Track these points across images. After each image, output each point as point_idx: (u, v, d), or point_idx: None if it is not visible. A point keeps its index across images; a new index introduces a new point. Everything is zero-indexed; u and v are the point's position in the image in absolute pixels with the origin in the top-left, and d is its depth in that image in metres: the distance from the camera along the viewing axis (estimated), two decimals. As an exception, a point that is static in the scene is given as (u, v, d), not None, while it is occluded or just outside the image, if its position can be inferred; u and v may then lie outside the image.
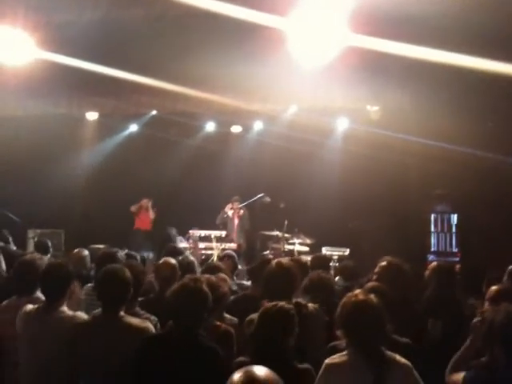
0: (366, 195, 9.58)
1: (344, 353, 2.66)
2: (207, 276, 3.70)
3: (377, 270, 4.19)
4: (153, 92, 8.62)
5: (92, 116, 11.01)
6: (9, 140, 10.11)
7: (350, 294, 2.82)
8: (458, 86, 7.59)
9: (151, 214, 10.89)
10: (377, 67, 7.18)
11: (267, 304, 2.97)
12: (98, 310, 3.32)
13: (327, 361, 2.64)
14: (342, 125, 10.34)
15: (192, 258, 5.24)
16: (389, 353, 2.63)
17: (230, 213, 10.14)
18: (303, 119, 9.39)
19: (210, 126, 11.40)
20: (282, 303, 2.90)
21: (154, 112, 10.85)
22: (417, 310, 4.07)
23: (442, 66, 6.36)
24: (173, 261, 4.45)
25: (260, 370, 1.67)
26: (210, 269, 4.47)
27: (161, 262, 4.55)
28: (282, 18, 5.73)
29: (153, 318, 3.48)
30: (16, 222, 9.78)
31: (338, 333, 2.77)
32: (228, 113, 9.78)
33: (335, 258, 8.21)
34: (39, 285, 3.51)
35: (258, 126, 11.09)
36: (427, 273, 4.53)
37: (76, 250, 5.59)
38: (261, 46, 6.27)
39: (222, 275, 4.12)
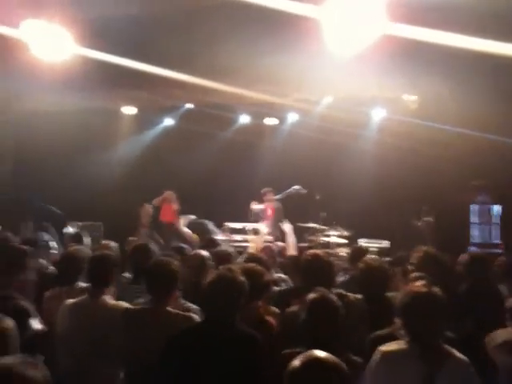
0: (404, 186, 9.43)
1: (401, 341, 2.63)
2: (251, 264, 3.74)
3: (413, 260, 4.12)
4: (188, 85, 8.66)
5: (128, 110, 11.20)
6: (48, 134, 10.37)
7: (413, 284, 2.79)
8: (498, 74, 7.36)
9: (175, 207, 10.94)
10: (414, 55, 7.01)
11: (313, 294, 2.96)
12: (143, 300, 3.40)
13: (383, 348, 2.61)
14: (377, 115, 10.20)
15: (230, 249, 5.27)
16: (446, 346, 2.59)
17: (260, 206, 10.13)
18: (338, 110, 9.28)
19: (245, 118, 11.43)
20: (326, 293, 2.92)
21: (189, 105, 10.94)
22: (456, 303, 3.98)
23: (481, 55, 6.17)
24: (203, 252, 4.53)
25: (321, 353, 1.68)
26: (252, 260, 4.50)
27: (191, 253, 4.63)
28: (317, 7, 5.66)
29: (194, 307, 3.55)
30: (57, 215, 10.04)
31: (397, 320, 2.73)
32: (262, 105, 9.77)
33: (374, 250, 8.12)
34: (86, 274, 3.63)
35: (292, 117, 11.04)
36: (460, 265, 4.43)
37: (104, 242, 5.70)
38: (294, 36, 6.21)
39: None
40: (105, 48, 7.08)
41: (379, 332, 2.94)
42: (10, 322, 2.37)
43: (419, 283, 2.78)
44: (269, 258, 5.22)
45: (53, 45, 6.50)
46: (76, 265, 3.83)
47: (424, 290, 2.66)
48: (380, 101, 9.56)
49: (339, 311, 2.83)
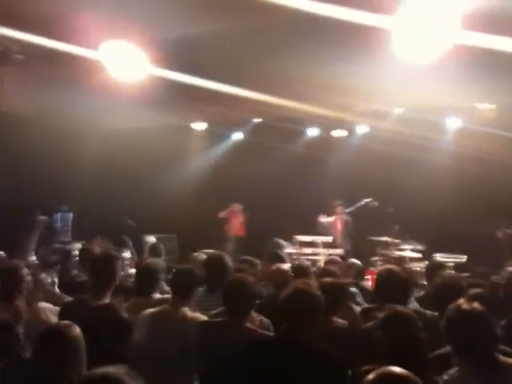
0: (482, 199, 9.03)
1: (456, 369, 2.54)
2: (328, 279, 3.72)
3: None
4: (256, 100, 8.78)
5: (198, 126, 11.50)
6: (124, 151, 10.84)
7: (453, 303, 2.71)
8: None
9: (241, 219, 11.05)
10: (490, 64, 6.75)
11: (386, 311, 2.91)
12: (219, 311, 3.47)
13: (445, 377, 2.54)
14: (452, 125, 9.85)
15: (307, 262, 5.26)
16: (503, 357, 2.49)
17: (331, 218, 10.02)
18: (410, 120, 9.06)
19: (313, 131, 11.40)
20: (400, 308, 2.85)
21: (258, 119, 11.07)
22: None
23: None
24: (285, 266, 4.54)
25: (397, 369, 1.64)
26: (325, 274, 4.48)
27: (274, 267, 4.65)
28: (388, 17, 5.59)
29: (266, 320, 3.57)
30: (134, 229, 10.42)
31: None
32: (331, 117, 9.70)
33: (451, 265, 7.82)
34: (170, 285, 3.75)
35: (361, 129, 10.88)
36: None
37: (195, 254, 5.85)
38: (364, 47, 6.16)
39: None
40: (178, 68, 7.32)
41: (440, 351, 2.85)
42: (78, 330, 2.45)
43: (461, 301, 2.71)
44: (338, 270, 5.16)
45: (129, 65, 6.79)
46: (152, 276, 3.94)
47: (464, 307, 2.60)
48: (455, 110, 9.23)
49: (415, 327, 2.76)
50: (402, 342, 2.69)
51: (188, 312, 3.56)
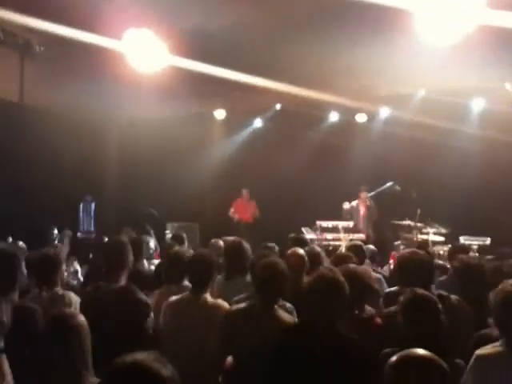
0: (505, 181, 8.89)
1: (497, 343, 2.52)
2: (353, 266, 3.70)
3: None
4: (277, 87, 8.73)
5: (220, 114, 11.50)
6: (145, 140, 10.92)
7: (507, 281, 2.66)
8: None
9: (249, 205, 11.09)
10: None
11: (407, 294, 2.88)
12: (241, 298, 3.49)
13: (478, 352, 2.52)
14: (477, 106, 9.68)
15: (318, 248, 5.23)
16: None
17: (354, 203, 9.98)
18: (433, 102, 8.92)
19: (334, 116, 11.32)
20: (421, 292, 2.83)
21: (279, 106, 11.02)
22: None
23: None
24: (301, 251, 4.50)
25: (420, 350, 1.63)
26: (339, 259, 4.44)
27: (289, 252, 4.63)
28: (411, -1, 5.50)
29: (288, 305, 3.56)
30: (156, 217, 10.52)
31: (491, 321, 2.62)
32: (353, 101, 9.59)
33: (475, 247, 7.75)
34: (187, 273, 3.78)
35: (384, 112, 10.76)
36: None
37: (213, 241, 5.88)
38: (387, 29, 6.08)
39: (364, 267, 4.09)
40: (198, 58, 7.31)
41: (485, 331, 2.83)
42: (82, 319, 2.44)
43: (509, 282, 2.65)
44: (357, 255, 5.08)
45: (149, 55, 6.82)
46: (181, 264, 3.98)
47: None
48: (479, 91, 9.05)
49: (437, 310, 2.73)
50: (423, 326, 2.67)
51: (209, 298, 3.57)
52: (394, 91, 9.22)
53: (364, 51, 7.08)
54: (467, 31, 5.68)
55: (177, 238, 6.73)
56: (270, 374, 2.89)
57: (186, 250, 4.46)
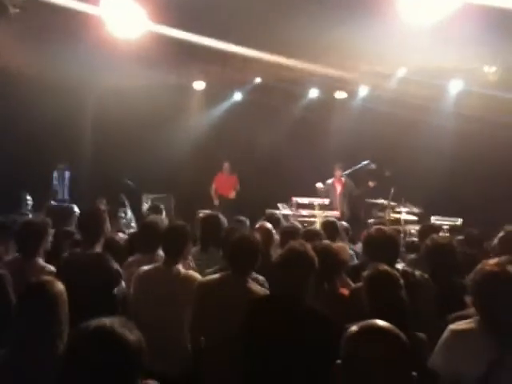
0: (480, 162, 9.03)
1: (471, 320, 2.55)
2: (327, 242, 3.75)
3: (497, 241, 3.97)
4: (257, 59, 8.66)
5: (199, 85, 11.36)
6: (123, 110, 10.73)
7: (486, 261, 2.66)
8: None
9: (230, 179, 11.11)
10: (495, 25, 6.62)
11: (369, 270, 2.95)
12: (214, 269, 3.50)
13: (452, 327, 2.55)
14: (455, 87, 9.74)
15: (298, 225, 5.29)
16: None
17: (330, 181, 10.04)
18: (412, 82, 8.95)
19: (314, 93, 11.28)
20: (383, 267, 2.89)
21: (259, 79, 10.93)
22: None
23: None
24: (268, 225, 4.57)
25: (381, 322, 1.65)
26: (310, 235, 4.49)
27: (257, 225, 4.69)
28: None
29: (261, 278, 3.61)
30: (132, 188, 10.43)
31: (468, 299, 2.66)
32: (333, 78, 9.57)
33: (446, 227, 7.90)
34: (161, 243, 3.76)
35: (363, 91, 10.77)
36: None
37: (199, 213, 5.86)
38: (368, 7, 6.03)
39: (341, 244, 4.14)
40: (177, 24, 7.17)
41: (462, 312, 2.84)
42: (61, 286, 2.45)
43: (493, 261, 2.65)
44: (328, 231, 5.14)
45: (128, 21, 6.66)
46: (156, 233, 3.96)
47: (497, 268, 2.54)
48: (458, 72, 9.10)
49: (397, 285, 2.79)
50: (384, 300, 2.73)
51: (182, 270, 3.58)
52: (374, 70, 9.20)
53: (346, 29, 7.02)
54: (448, 11, 5.69)
55: (154, 209, 6.71)
56: (240, 344, 2.92)
57: (161, 219, 4.42)
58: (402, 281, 2.83)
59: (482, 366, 2.36)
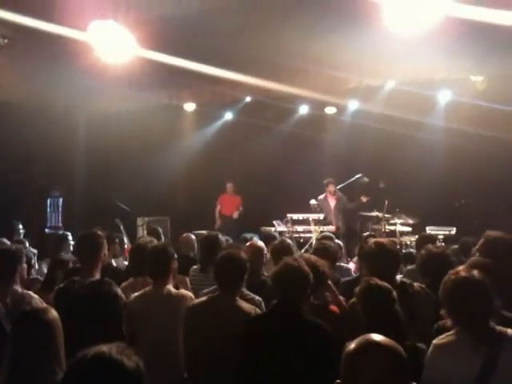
0: (472, 172, 9.09)
1: (451, 332, 2.55)
2: (308, 256, 3.76)
3: (477, 248, 4.00)
4: (246, 79, 8.70)
5: (190, 107, 11.42)
6: (115, 133, 10.75)
7: (451, 271, 2.69)
8: None
9: (233, 199, 11.12)
10: (481, 36, 6.71)
11: (362, 284, 2.99)
12: (210, 290, 3.47)
13: (434, 341, 2.57)
14: (444, 98, 9.84)
15: (289, 241, 5.28)
16: (499, 327, 2.49)
17: (322, 196, 10.06)
18: (401, 94, 9.03)
19: (304, 109, 11.35)
20: (375, 281, 2.93)
21: (249, 98, 11.01)
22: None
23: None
24: (260, 243, 4.64)
25: (377, 336, 1.66)
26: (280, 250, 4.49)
27: (248, 243, 4.70)
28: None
29: (257, 298, 3.61)
30: (126, 211, 10.40)
31: (442, 312, 2.65)
32: (322, 93, 9.62)
33: (441, 237, 7.91)
34: (147, 267, 3.71)
35: (353, 105, 10.85)
36: None
37: (184, 235, 5.86)
38: (355, 20, 6.09)
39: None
40: (165, 49, 7.23)
41: (444, 321, 2.81)
42: (55, 314, 2.42)
43: (460, 268, 2.70)
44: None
45: (117, 46, 6.70)
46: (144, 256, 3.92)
47: (461, 275, 2.58)
48: (446, 83, 9.19)
49: (389, 298, 2.83)
50: (377, 314, 2.76)
51: (172, 289, 3.57)
52: (364, 83, 9.28)
53: (333, 43, 7.10)
54: (435, 23, 5.76)
55: (153, 233, 6.67)
56: (235, 361, 2.93)
57: (151, 241, 4.39)
58: (394, 293, 2.87)
59: (470, 376, 2.37)
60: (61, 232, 9.15)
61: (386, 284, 2.93)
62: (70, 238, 6.32)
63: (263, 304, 3.58)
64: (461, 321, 2.52)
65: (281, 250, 4.51)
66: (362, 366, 1.58)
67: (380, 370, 1.56)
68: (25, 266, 3.92)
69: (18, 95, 9.56)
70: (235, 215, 11.06)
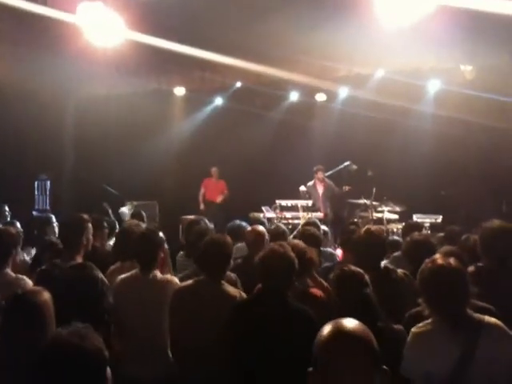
0: (459, 160, 9.16)
1: (429, 321, 2.58)
2: (296, 242, 3.78)
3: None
4: (237, 64, 8.67)
5: (180, 91, 11.35)
6: (104, 118, 10.69)
7: (428, 259, 2.72)
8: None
9: (218, 184, 11.15)
10: (469, 26, 6.74)
11: (336, 271, 3.03)
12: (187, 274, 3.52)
13: (413, 329, 2.60)
14: (433, 87, 9.87)
15: (283, 227, 5.32)
16: (477, 315, 2.52)
17: (310, 183, 10.10)
18: (391, 83, 9.05)
19: (294, 96, 11.34)
20: (349, 267, 2.97)
21: (239, 84, 10.96)
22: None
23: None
24: (260, 227, 4.61)
25: (349, 322, 1.67)
26: (275, 235, 4.57)
27: (249, 228, 4.73)
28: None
29: (232, 275, 3.69)
30: (114, 195, 10.37)
31: (420, 300, 2.69)
32: (313, 81, 9.62)
33: (427, 225, 7.99)
34: (134, 250, 3.71)
35: (343, 93, 10.86)
36: None
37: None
38: (346, 9, 6.09)
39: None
40: (156, 32, 7.17)
41: (418, 308, 2.85)
42: (47, 295, 2.43)
43: (436, 256, 2.73)
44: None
45: (105, 29, 6.63)
46: (131, 241, 3.92)
47: (438, 263, 2.60)
48: (435, 72, 9.22)
49: (360, 283, 2.86)
50: (350, 298, 2.80)
51: (158, 274, 3.58)
52: (354, 72, 9.29)
53: (324, 31, 7.09)
54: (425, 13, 5.78)
55: (136, 217, 6.69)
56: (223, 346, 2.95)
57: (137, 225, 4.39)
58: (367, 278, 2.90)
59: (449, 364, 2.41)
60: (44, 215, 9.15)
61: (358, 269, 2.97)
62: (54, 220, 6.29)
63: (239, 281, 3.67)
64: (438, 309, 2.54)
65: (276, 235, 4.55)
66: (333, 354, 1.60)
67: (350, 356, 1.58)
68: (19, 249, 3.91)
69: (6, 80, 9.45)
70: (219, 199, 11.09)
